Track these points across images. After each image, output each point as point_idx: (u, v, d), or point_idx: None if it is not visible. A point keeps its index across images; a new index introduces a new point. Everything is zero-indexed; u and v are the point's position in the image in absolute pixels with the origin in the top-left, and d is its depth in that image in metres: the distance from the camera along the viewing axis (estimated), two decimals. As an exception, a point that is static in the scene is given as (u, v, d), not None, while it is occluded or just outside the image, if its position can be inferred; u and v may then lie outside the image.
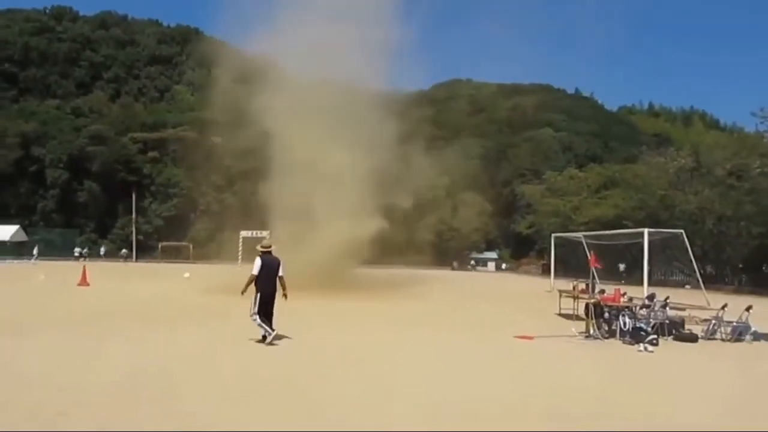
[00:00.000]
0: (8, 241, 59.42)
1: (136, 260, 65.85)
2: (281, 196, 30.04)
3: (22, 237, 63.08)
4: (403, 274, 42.96)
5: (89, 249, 67.57)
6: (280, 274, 11.63)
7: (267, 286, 11.48)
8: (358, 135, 29.31)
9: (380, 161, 30.19)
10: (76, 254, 61.03)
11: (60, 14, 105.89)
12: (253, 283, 11.47)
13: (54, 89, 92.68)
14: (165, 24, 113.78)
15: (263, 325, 11.27)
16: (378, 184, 31.27)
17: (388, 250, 43.42)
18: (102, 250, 67.31)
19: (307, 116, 29.20)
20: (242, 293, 11.58)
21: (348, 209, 28.52)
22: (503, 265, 77.23)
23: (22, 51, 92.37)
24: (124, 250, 66.45)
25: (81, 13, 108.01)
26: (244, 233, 40.96)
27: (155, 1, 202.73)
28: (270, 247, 11.86)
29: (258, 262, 11.49)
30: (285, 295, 11.77)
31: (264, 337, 11.30)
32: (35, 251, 57.06)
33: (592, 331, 13.92)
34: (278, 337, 11.57)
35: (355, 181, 29.15)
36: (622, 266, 43.67)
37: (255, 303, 11.36)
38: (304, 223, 28.90)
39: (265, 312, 11.43)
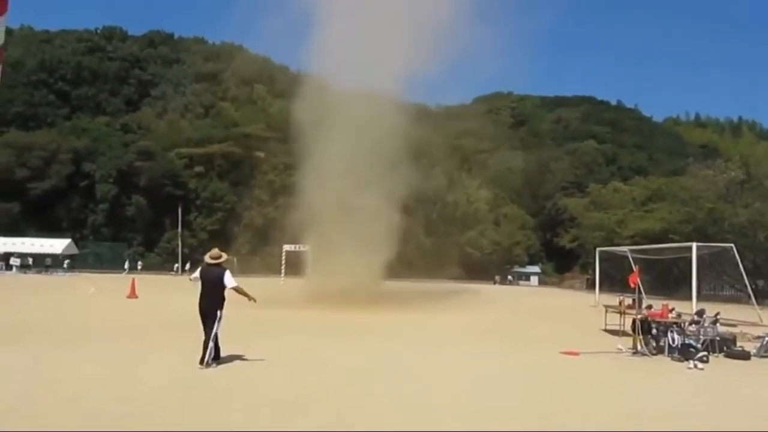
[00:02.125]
0: (61, 254, 61.18)
1: (181, 273, 66.94)
2: (313, 209, 30.24)
3: (74, 250, 64.89)
4: (444, 288, 42.77)
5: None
6: (232, 285, 10.36)
7: (201, 300, 10.41)
8: (393, 150, 29.37)
9: (416, 178, 30.13)
10: (139, 267, 62.79)
11: (110, 34, 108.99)
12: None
13: (104, 106, 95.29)
14: (210, 42, 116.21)
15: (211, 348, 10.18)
16: (415, 200, 31.29)
17: (430, 264, 43.44)
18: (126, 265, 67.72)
19: (343, 129, 29.41)
20: None
21: (372, 233, 28.36)
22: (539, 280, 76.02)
23: (75, 70, 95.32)
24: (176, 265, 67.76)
25: (130, 33, 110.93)
26: (287, 247, 41.36)
27: (201, 19, 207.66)
28: (219, 258, 10.72)
29: (196, 272, 10.82)
30: (252, 299, 10.69)
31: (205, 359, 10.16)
32: (126, 265, 62.07)
33: (639, 348, 13.66)
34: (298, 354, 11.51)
35: (372, 196, 29.04)
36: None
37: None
38: (333, 239, 29.12)
39: (204, 329, 10.29)
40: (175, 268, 66.43)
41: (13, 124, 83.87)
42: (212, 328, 10.13)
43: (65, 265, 58.32)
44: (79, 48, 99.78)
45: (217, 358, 10.34)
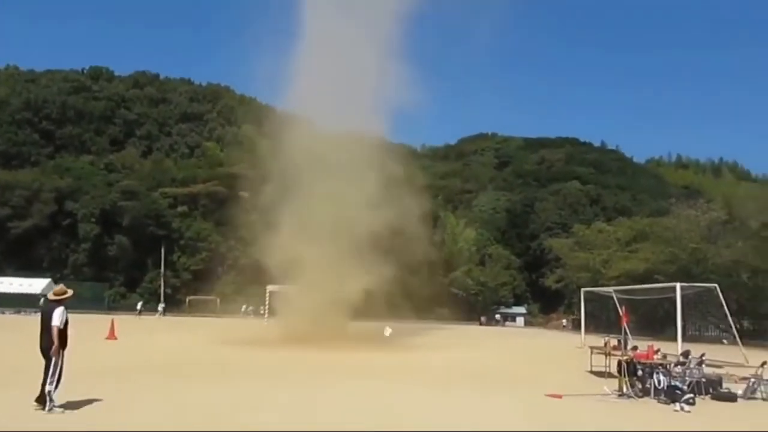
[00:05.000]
0: (40, 294, 60.06)
1: (164, 314, 65.88)
2: (288, 249, 30.24)
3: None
4: (429, 328, 42.36)
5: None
6: (54, 323, 9.48)
7: (40, 341, 9.73)
8: (370, 190, 29.53)
9: (397, 216, 30.21)
10: (138, 308, 59.97)
11: (96, 74, 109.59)
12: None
13: (89, 146, 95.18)
14: (196, 82, 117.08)
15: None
16: (399, 240, 31.41)
17: (414, 304, 43.09)
18: (160, 307, 64.90)
19: (322, 168, 29.59)
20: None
21: (340, 267, 28.52)
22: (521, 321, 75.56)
23: (60, 109, 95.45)
24: (161, 305, 65.41)
25: (116, 73, 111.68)
26: (270, 287, 40.93)
27: (187, 60, 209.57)
28: (63, 294, 9.98)
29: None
30: (54, 351, 9.47)
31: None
32: (161, 308, 62.48)
33: (625, 390, 13.43)
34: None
35: (352, 238, 29.11)
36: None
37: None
38: (300, 278, 29.34)
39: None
40: (138, 307, 63.00)
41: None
42: (48, 371, 9.47)
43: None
44: (65, 87, 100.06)
45: (48, 403, 9.44)
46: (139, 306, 61.06)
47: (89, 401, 10.56)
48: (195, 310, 66.00)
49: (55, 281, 64.96)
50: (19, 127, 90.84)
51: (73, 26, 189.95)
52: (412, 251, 34.19)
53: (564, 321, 68.31)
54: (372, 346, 25.48)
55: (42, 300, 9.93)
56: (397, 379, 15.73)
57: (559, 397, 12.84)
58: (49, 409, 9.34)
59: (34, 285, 60.36)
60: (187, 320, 54.08)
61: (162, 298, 71.11)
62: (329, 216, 28.86)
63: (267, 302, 41.91)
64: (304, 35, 32.85)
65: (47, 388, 9.40)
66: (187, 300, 69.72)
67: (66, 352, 9.75)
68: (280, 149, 31.83)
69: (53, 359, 9.47)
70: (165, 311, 62.60)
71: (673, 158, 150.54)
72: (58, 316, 9.56)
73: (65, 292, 10.06)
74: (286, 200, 30.97)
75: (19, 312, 54.62)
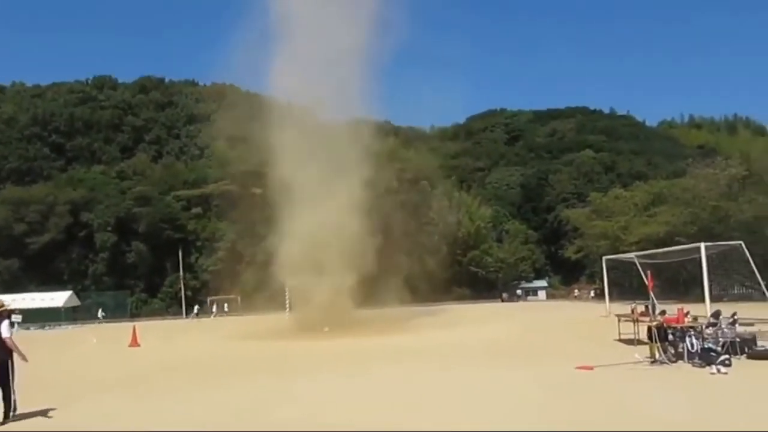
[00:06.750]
0: (62, 307, 60.47)
1: (186, 316, 66.23)
2: (287, 246, 30.33)
3: (75, 302, 64.20)
4: (450, 308, 42.10)
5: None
6: (4, 336, 9.75)
7: None
8: (377, 175, 29.45)
9: (408, 200, 30.12)
10: (195, 311, 63.86)
11: (101, 83, 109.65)
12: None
13: (99, 155, 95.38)
14: (201, 83, 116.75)
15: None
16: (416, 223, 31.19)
17: (435, 286, 42.87)
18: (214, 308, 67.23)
19: (316, 157, 29.44)
20: None
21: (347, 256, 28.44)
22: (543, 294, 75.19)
23: (68, 121, 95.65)
24: (196, 307, 66.89)
25: (120, 80, 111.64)
26: (291, 282, 40.83)
27: (191, 62, 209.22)
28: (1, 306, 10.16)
29: None
30: (22, 357, 9.88)
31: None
32: (221, 308, 65.04)
33: (657, 356, 13.06)
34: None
35: (358, 227, 29.08)
36: None
37: None
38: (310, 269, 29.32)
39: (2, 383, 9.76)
40: (195, 311, 65.24)
41: (9, 180, 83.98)
42: (6, 383, 9.68)
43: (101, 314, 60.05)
44: (71, 99, 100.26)
45: (12, 411, 9.74)
46: (195, 310, 64.35)
47: (112, 409, 10.41)
48: (217, 310, 66.15)
49: (77, 293, 65.55)
50: (29, 143, 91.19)
51: (74, 38, 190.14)
52: (430, 233, 33.99)
53: (576, 291, 68.18)
54: (388, 330, 25.44)
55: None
56: (421, 361, 15.43)
57: (591, 368, 12.51)
58: (13, 417, 9.60)
59: (56, 299, 60.75)
60: (210, 321, 54.34)
61: (183, 301, 71.53)
62: (331, 206, 28.71)
63: (287, 296, 41.84)
64: (288, 21, 32.45)
65: (13, 397, 9.67)
66: (208, 301, 69.92)
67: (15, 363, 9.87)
68: (276, 143, 31.75)
69: (11, 369, 9.71)
70: (219, 312, 64.40)
71: (686, 119, 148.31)
72: (6, 329, 9.84)
73: (2, 305, 10.21)
74: (287, 194, 30.93)
75: (43, 327, 54.86)
